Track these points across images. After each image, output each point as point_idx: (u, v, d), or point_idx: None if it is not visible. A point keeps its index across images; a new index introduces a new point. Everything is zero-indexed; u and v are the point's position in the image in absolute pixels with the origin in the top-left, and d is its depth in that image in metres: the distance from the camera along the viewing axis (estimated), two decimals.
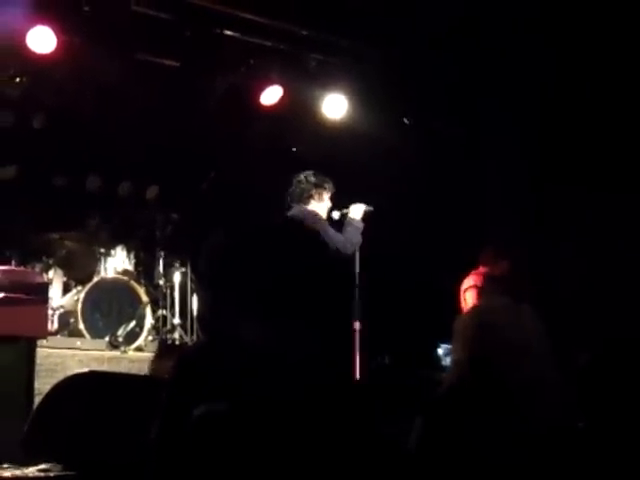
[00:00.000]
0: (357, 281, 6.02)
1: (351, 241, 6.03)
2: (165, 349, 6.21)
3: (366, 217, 6.14)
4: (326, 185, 6.16)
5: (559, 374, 2.64)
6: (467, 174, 8.08)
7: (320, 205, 6.15)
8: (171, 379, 2.19)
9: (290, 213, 5.98)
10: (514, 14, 6.90)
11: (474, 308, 3.07)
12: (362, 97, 7.60)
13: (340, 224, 6.12)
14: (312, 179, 6.14)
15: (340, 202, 6.20)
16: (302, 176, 6.17)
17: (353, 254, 6.06)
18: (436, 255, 7.76)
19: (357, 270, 6.07)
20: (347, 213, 6.15)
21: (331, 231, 5.97)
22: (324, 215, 6.17)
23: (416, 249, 7.93)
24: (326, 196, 6.17)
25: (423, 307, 7.63)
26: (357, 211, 6.15)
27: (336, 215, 6.17)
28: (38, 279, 6.25)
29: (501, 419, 2.50)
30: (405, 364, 6.92)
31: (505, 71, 7.54)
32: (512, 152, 7.95)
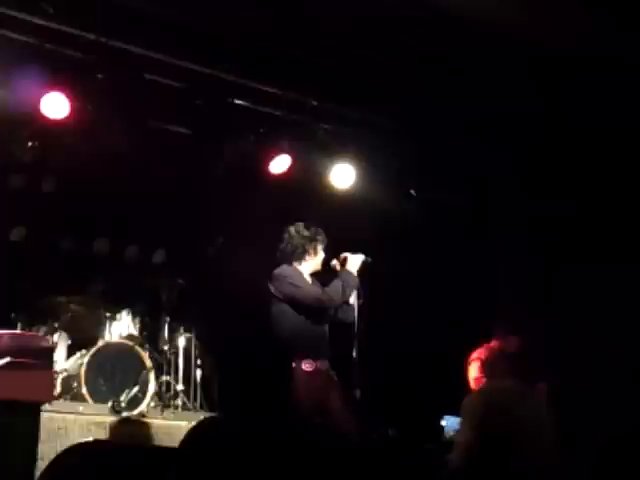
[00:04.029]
0: (357, 347, 5.92)
1: (329, 296, 5.94)
2: (125, 419, 6.19)
3: (364, 268, 6.08)
4: (319, 237, 6.10)
5: (564, 458, 2.63)
6: (476, 246, 8.11)
7: (315, 259, 6.10)
8: (182, 452, 2.19)
9: (276, 272, 5.95)
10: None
11: (482, 389, 3.07)
12: (370, 167, 7.68)
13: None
14: (305, 233, 6.07)
15: (340, 252, 6.16)
16: (293, 230, 6.09)
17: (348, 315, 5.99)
18: (442, 326, 7.75)
19: (357, 334, 5.98)
20: (345, 264, 6.10)
21: (305, 285, 5.91)
22: (318, 267, 6.12)
23: (423, 320, 7.93)
24: (320, 248, 6.12)
25: (428, 378, 7.60)
26: (355, 262, 6.07)
27: (337, 266, 6.11)
28: (44, 343, 6.23)
29: None
30: (409, 436, 6.87)
31: (516, 145, 7.62)
32: (520, 225, 8.00)
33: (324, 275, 6.14)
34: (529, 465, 2.51)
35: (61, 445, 5.13)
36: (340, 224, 6.61)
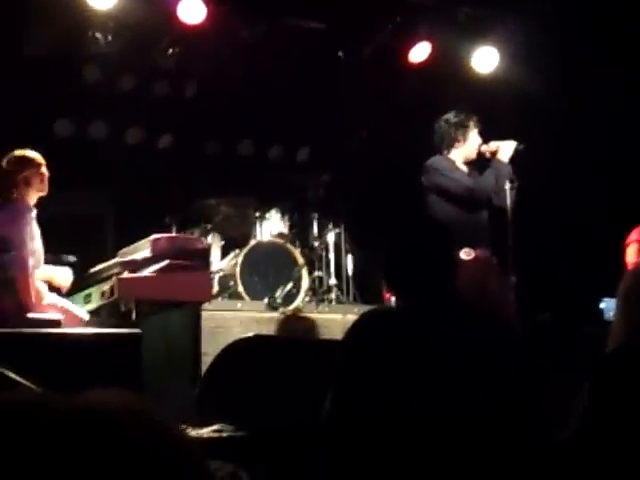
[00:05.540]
0: (511, 233, 5.81)
1: (480, 186, 5.83)
2: (294, 315, 6.31)
3: (517, 156, 5.92)
4: (469, 122, 5.94)
5: None
6: (629, 125, 7.75)
7: (467, 145, 5.96)
8: (347, 345, 2.20)
9: (427, 163, 5.90)
10: None
11: (635, 270, 2.98)
12: (514, 49, 7.40)
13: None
14: (453, 120, 5.95)
15: (486, 139, 6.02)
16: (442, 121, 6.01)
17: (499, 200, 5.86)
18: (599, 208, 7.52)
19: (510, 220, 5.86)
20: (496, 151, 5.95)
21: (457, 176, 5.83)
22: (473, 155, 6.00)
23: (579, 203, 7.71)
24: (472, 134, 5.97)
25: (586, 261, 7.43)
26: (507, 149, 5.91)
27: (487, 153, 5.99)
28: (199, 245, 6.41)
29: None
30: (567, 319, 6.77)
31: None
32: None
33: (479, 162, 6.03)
34: None
35: (223, 341, 5.31)
36: (485, 110, 6.43)
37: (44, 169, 5.34)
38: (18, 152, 5.33)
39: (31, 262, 5.17)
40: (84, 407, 0.82)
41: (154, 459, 0.79)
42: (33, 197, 5.33)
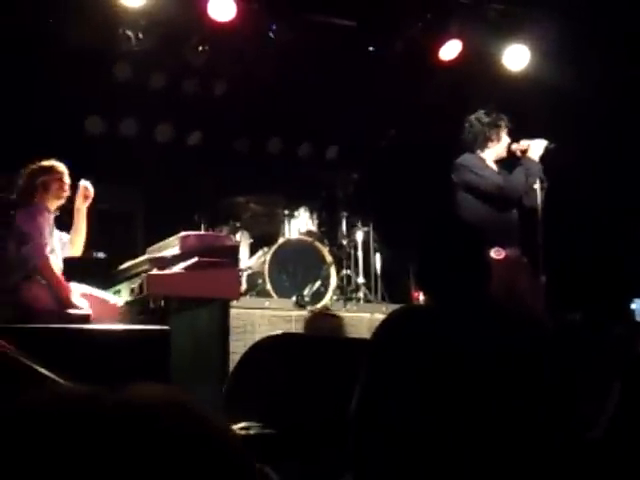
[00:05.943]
0: (541, 233, 5.77)
1: (511, 184, 5.79)
2: (322, 313, 6.29)
3: (547, 154, 5.88)
4: (501, 122, 5.94)
5: None
6: None
7: (498, 146, 5.95)
8: (375, 343, 2.19)
9: (457, 161, 5.87)
10: None
11: None
12: (545, 47, 7.34)
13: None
14: (485, 119, 5.92)
15: (516, 137, 5.99)
16: (473, 119, 5.96)
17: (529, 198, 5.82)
18: (628, 208, 7.46)
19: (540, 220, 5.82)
20: (527, 150, 5.92)
21: (487, 173, 5.80)
22: (503, 154, 5.97)
23: (608, 202, 7.64)
24: (503, 133, 5.97)
25: (617, 260, 7.37)
26: (537, 148, 5.88)
27: (517, 151, 5.96)
28: (228, 242, 6.42)
29: None
30: (597, 320, 6.72)
31: None
32: None
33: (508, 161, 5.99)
34: None
35: (251, 339, 5.32)
36: (516, 108, 6.38)
37: (66, 178, 5.51)
38: (42, 162, 5.50)
39: (48, 248, 5.28)
40: (132, 401, 0.83)
41: (202, 453, 0.80)
42: (52, 203, 5.51)
